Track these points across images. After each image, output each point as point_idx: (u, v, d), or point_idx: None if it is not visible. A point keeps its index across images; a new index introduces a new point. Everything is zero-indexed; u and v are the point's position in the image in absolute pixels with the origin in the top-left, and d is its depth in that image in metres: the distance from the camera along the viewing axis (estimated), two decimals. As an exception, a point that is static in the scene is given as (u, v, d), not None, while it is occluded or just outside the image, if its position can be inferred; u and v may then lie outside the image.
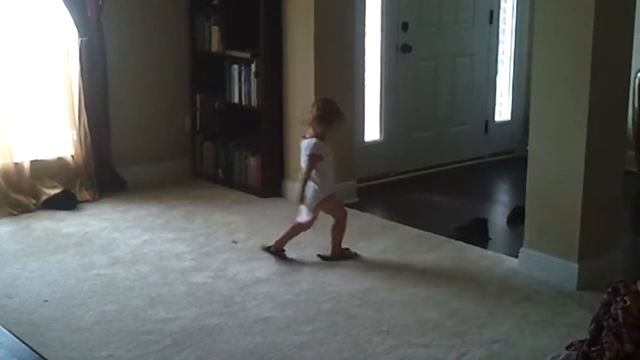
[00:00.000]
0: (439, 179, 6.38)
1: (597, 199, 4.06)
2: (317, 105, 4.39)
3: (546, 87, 4.10)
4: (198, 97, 6.11)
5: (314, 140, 4.34)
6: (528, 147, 4.26)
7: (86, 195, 5.49)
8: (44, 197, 5.33)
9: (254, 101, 5.67)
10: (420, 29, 6.33)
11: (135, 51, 5.80)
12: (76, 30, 5.37)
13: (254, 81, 5.63)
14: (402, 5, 6.19)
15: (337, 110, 4.41)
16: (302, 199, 4.39)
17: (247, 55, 5.64)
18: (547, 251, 4.17)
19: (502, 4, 6.94)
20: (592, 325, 3.03)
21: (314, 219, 4.45)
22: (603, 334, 2.93)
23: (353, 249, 4.57)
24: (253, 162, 5.75)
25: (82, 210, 5.32)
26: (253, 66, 5.61)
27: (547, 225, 4.18)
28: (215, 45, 5.86)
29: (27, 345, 3.40)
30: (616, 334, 2.84)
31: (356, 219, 5.14)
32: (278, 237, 4.50)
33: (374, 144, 6.26)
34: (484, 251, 4.67)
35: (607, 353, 2.86)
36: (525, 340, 3.51)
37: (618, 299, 2.90)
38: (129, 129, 5.83)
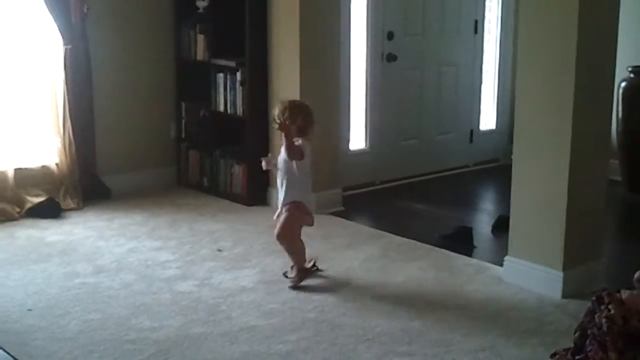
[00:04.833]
0: (424, 188, 6.39)
1: (581, 207, 4.07)
2: (300, 110, 4.09)
3: (530, 96, 4.11)
4: (183, 105, 6.10)
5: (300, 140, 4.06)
6: (513, 156, 4.28)
7: (70, 203, 5.47)
8: (28, 206, 5.30)
9: (239, 110, 5.67)
10: (406, 39, 6.35)
11: (120, 59, 5.78)
12: (61, 38, 5.35)
13: (239, 90, 5.63)
14: (387, 14, 6.21)
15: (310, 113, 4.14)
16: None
17: (232, 63, 5.64)
18: (531, 259, 4.18)
19: (487, 13, 6.98)
20: (577, 334, 3.04)
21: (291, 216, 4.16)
22: (587, 342, 2.94)
23: (338, 258, 4.57)
24: (238, 170, 5.74)
25: (67, 219, 5.29)
26: (238, 75, 5.61)
27: (532, 233, 4.19)
28: (200, 54, 5.86)
29: (10, 355, 3.37)
30: (600, 343, 2.85)
31: (341, 228, 5.15)
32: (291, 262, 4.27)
33: (359, 152, 6.27)
34: (469, 259, 4.68)
35: (592, 361, 2.87)
36: (510, 349, 3.51)
37: (602, 307, 2.91)
38: (113, 137, 5.81)
